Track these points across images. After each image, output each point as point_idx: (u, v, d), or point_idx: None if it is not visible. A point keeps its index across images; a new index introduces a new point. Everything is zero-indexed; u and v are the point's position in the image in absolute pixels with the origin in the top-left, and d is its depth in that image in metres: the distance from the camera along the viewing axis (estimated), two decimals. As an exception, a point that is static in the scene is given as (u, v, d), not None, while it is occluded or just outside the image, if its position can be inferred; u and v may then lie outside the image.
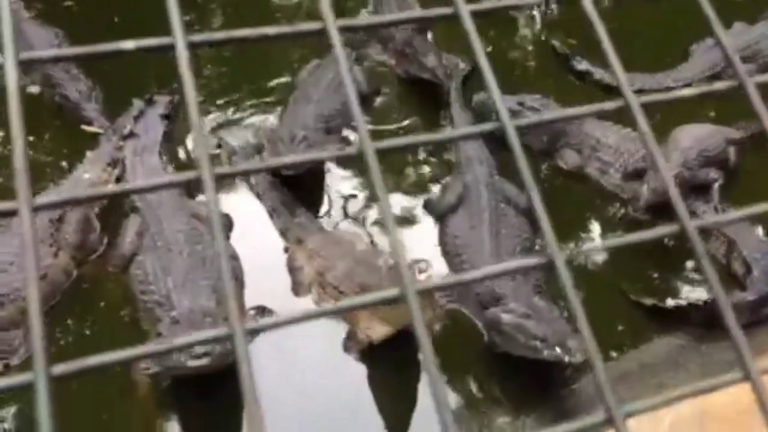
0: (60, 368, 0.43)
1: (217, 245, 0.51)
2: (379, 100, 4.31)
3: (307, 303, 3.29)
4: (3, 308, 2.92)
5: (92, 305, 3.25)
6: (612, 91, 4.46)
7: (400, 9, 4.65)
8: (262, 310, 3.15)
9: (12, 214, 0.48)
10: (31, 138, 3.88)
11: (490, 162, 3.88)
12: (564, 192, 3.87)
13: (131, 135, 3.73)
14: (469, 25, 0.49)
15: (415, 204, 3.77)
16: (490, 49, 4.74)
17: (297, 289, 3.34)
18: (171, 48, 0.41)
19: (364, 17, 4.43)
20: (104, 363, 0.43)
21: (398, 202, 3.76)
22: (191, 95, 0.43)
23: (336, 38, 0.44)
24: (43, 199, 0.48)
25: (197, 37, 0.42)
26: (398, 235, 0.51)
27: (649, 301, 3.37)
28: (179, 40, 0.39)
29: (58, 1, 4.48)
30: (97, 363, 0.43)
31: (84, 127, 3.83)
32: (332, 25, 0.42)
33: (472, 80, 4.31)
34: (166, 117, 3.87)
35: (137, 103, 3.88)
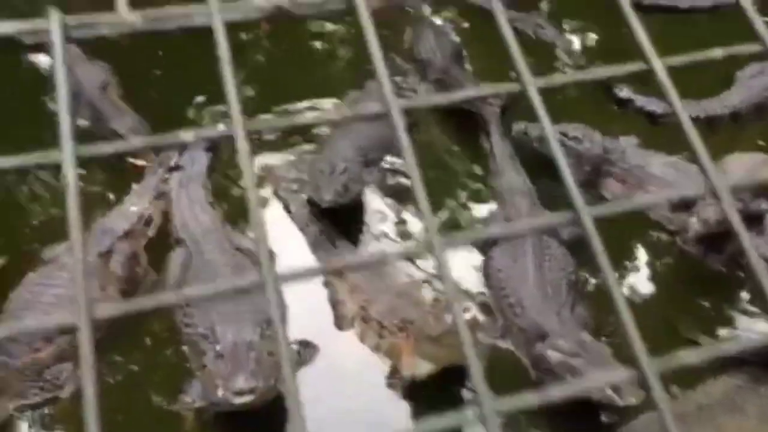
0: None
1: (268, 292, 0.49)
2: (418, 130, 4.31)
3: (349, 337, 3.26)
4: (53, 342, 2.97)
5: (138, 338, 3.28)
6: (655, 119, 4.38)
7: (437, 39, 4.67)
8: (305, 345, 3.14)
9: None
10: (80, 170, 3.98)
11: (533, 193, 3.83)
12: (609, 223, 3.79)
13: (177, 168, 3.80)
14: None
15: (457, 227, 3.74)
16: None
17: (339, 323, 3.32)
18: (231, 139, 0.41)
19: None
20: None
21: (445, 230, 3.72)
22: (252, 192, 0.42)
23: (398, 120, 0.43)
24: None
25: (256, 125, 0.41)
26: (450, 277, 0.48)
27: (703, 340, 3.26)
28: (239, 130, 0.39)
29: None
30: None
31: (130, 160, 3.91)
32: (395, 107, 0.41)
33: (512, 109, 4.28)
34: (210, 150, 3.93)
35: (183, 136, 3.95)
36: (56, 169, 0.41)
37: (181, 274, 3.34)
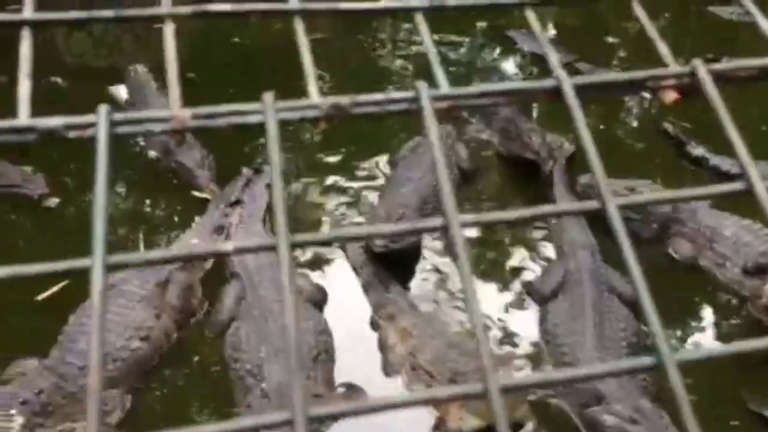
0: None
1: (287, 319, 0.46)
2: (480, 178, 4.28)
3: (396, 384, 3.20)
4: (105, 368, 3.01)
5: (189, 368, 3.30)
6: (730, 179, 4.22)
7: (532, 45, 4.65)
8: (350, 388, 3.09)
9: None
10: (146, 201, 4.11)
11: (595, 248, 3.72)
12: (676, 284, 3.63)
13: (238, 203, 3.87)
14: (573, 101, 0.44)
15: (517, 285, 3.66)
16: (598, 127, 4.64)
17: (388, 368, 3.27)
18: (273, 248, 0.39)
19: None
20: None
21: (499, 281, 3.66)
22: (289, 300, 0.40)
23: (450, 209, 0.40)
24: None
25: (300, 238, 0.39)
26: (482, 328, 0.44)
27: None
28: (282, 242, 0.37)
29: (181, 73, 4.79)
30: None
31: (195, 192, 4.01)
32: (456, 223, 0.38)
33: (577, 162, 4.21)
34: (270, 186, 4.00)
35: (246, 172, 4.03)
36: (85, 275, 0.40)
37: (233, 308, 3.36)
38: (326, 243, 0.42)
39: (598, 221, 3.84)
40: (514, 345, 3.32)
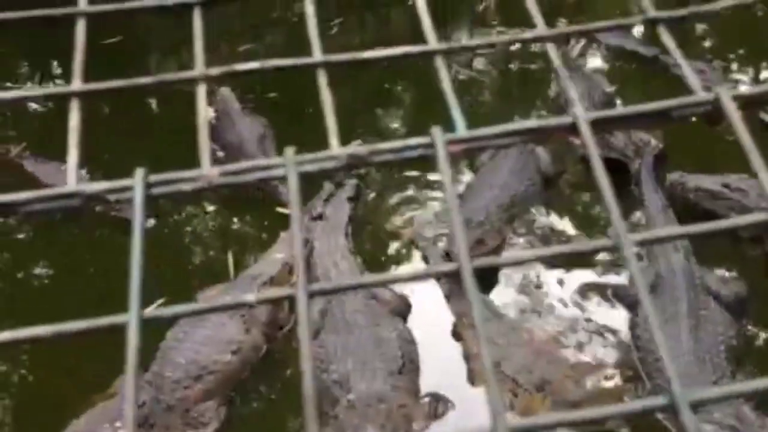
0: None
1: None
2: (564, 181, 4.18)
3: (481, 393, 3.17)
4: (201, 381, 3.16)
5: (279, 380, 3.40)
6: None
7: (589, 87, 4.54)
8: (436, 399, 3.09)
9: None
10: (234, 219, 4.28)
11: (688, 248, 3.55)
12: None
13: (320, 217, 3.95)
14: (589, 139, 0.42)
15: (604, 290, 3.55)
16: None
17: (472, 377, 3.24)
18: (291, 299, 0.41)
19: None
20: None
21: (584, 287, 3.56)
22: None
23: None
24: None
25: (317, 287, 0.41)
26: (491, 370, 0.44)
27: None
28: (301, 291, 0.38)
29: (264, 94, 4.96)
30: None
31: (279, 209, 4.13)
32: (467, 267, 0.39)
33: (666, 158, 4.04)
34: (352, 200, 4.06)
35: (327, 187, 4.12)
36: (122, 332, 0.43)
37: (319, 321, 3.43)
38: (341, 290, 0.44)
39: (691, 218, 3.68)
40: (605, 352, 3.21)
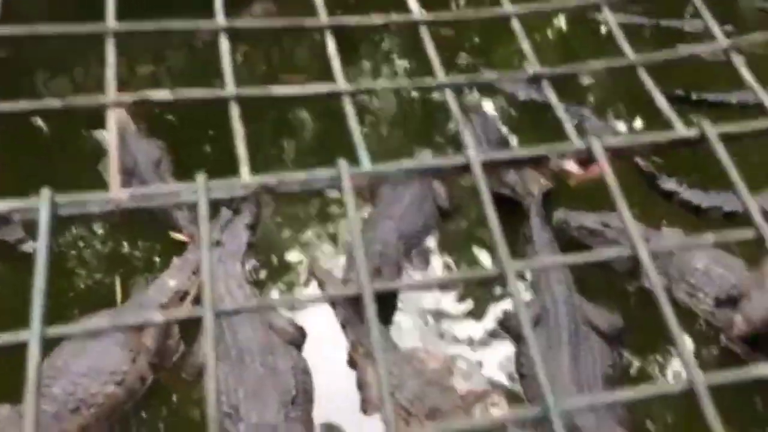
0: None
1: None
2: (459, 215, 4.33)
3: (374, 422, 3.19)
4: (79, 414, 2.98)
5: (165, 412, 3.26)
6: (700, 212, 4.31)
7: (484, 127, 4.74)
8: (330, 429, 3.08)
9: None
10: (123, 242, 4.10)
11: (569, 281, 3.76)
12: (652, 316, 3.68)
13: (217, 243, 3.87)
14: (480, 179, 0.46)
15: (492, 323, 3.68)
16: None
17: (366, 406, 3.25)
18: (200, 319, 0.41)
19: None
20: None
21: (475, 317, 3.69)
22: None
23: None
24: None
25: (227, 307, 0.42)
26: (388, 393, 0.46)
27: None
28: (208, 312, 0.39)
29: (161, 115, 4.83)
30: None
31: (173, 234, 4.01)
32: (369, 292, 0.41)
33: (553, 198, 4.28)
34: (250, 227, 4.01)
35: (225, 212, 4.05)
36: (23, 348, 0.42)
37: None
38: (246, 311, 0.45)
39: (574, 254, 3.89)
40: (491, 381, 3.32)
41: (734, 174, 0.49)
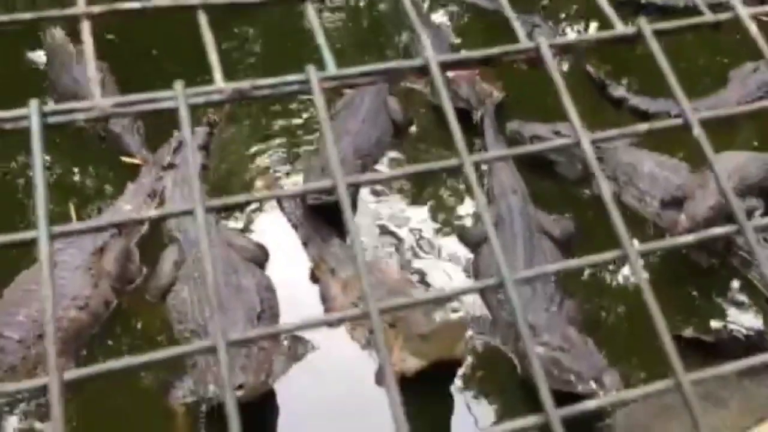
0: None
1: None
2: (413, 129, 4.35)
3: (339, 333, 3.30)
4: (43, 339, 3.00)
5: (130, 334, 3.31)
6: (647, 118, 4.43)
7: (435, 39, 4.70)
8: (296, 339, 3.18)
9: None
10: (75, 169, 4.02)
11: (524, 191, 3.87)
12: (600, 221, 3.83)
13: (171, 166, 3.82)
14: (438, 78, 0.50)
15: (450, 233, 3.78)
16: (523, 75, 4.77)
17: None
18: (191, 213, 0.44)
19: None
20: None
21: (432, 230, 3.78)
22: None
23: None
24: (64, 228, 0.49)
25: (216, 202, 0.44)
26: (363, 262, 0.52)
27: (689, 334, 3.31)
28: (199, 207, 0.41)
29: (101, 36, 4.62)
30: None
31: (124, 158, 3.94)
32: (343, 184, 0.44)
33: (506, 108, 4.32)
34: (204, 148, 3.96)
35: (177, 135, 3.98)
36: (32, 245, 0.44)
37: (173, 271, 3.37)
38: (241, 205, 0.48)
39: (525, 164, 4.00)
40: (452, 288, 3.45)
41: (665, 65, 0.53)
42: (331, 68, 0.45)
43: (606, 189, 0.52)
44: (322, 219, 3.67)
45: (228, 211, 3.58)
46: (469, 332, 3.24)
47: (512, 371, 3.16)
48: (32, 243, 0.45)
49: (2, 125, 0.40)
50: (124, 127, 3.96)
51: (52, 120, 0.40)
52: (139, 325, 3.35)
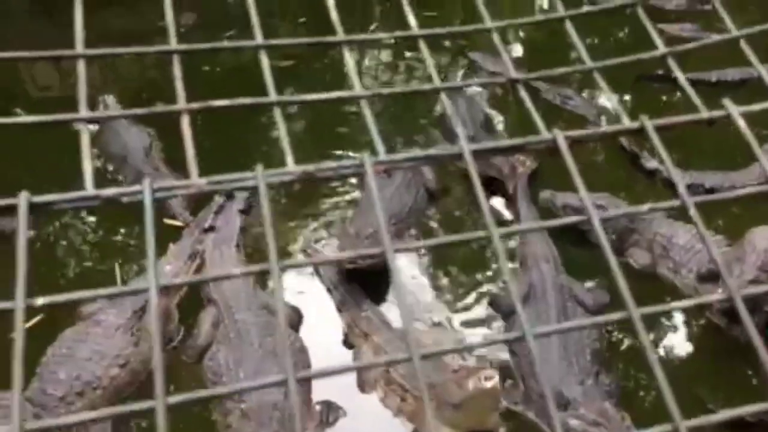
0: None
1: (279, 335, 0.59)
2: (446, 196, 4.44)
3: (372, 399, 3.30)
4: (85, 396, 3.07)
5: (168, 394, 3.36)
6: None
7: (469, 108, 4.85)
8: (328, 405, 3.19)
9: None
10: (120, 229, 4.18)
11: (557, 260, 3.88)
12: (635, 292, 3.80)
13: (211, 229, 3.96)
14: (471, 166, 0.57)
15: (482, 301, 3.80)
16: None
17: (362, 384, 3.37)
18: (267, 272, 0.51)
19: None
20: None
21: (464, 298, 3.80)
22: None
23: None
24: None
25: (289, 262, 0.51)
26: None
27: (727, 412, 3.21)
28: (274, 266, 0.49)
29: (150, 103, 4.87)
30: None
31: (167, 220, 4.09)
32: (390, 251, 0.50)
33: (538, 178, 4.39)
34: (243, 212, 4.09)
35: (218, 199, 4.13)
36: (9, 314, 0.52)
37: (211, 333, 3.44)
38: (305, 265, 0.54)
39: (558, 233, 4.03)
40: (485, 357, 3.44)
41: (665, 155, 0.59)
42: (382, 154, 0.54)
43: (613, 260, 0.57)
44: (357, 284, 3.73)
45: (289, 269, 3.68)
46: (503, 403, 3.21)
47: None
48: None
49: (121, 198, 0.49)
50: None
51: (158, 195, 0.48)
52: (173, 387, 3.40)
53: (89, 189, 0.49)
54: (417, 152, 0.55)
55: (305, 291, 3.82)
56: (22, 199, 0.50)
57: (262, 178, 0.50)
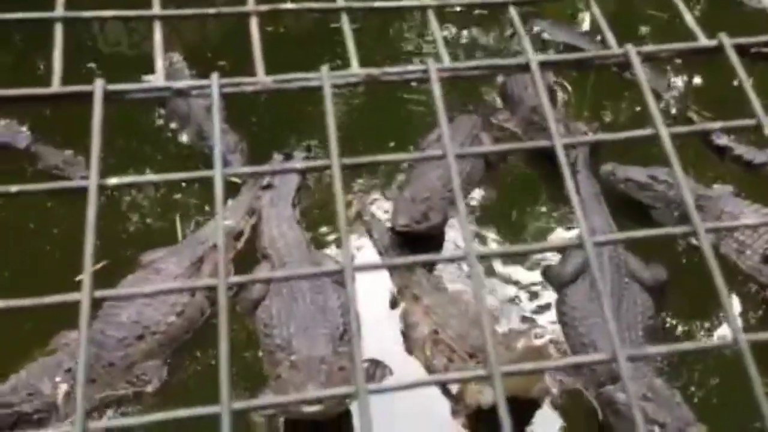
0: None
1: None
2: (504, 167, 4.38)
3: (419, 360, 3.33)
4: (143, 340, 3.20)
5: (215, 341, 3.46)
6: (752, 168, 4.26)
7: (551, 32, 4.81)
8: (375, 364, 3.23)
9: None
10: (181, 185, 4.29)
11: (615, 232, 3.80)
12: (698, 272, 3.70)
13: (269, 186, 4.02)
14: (537, 73, 0.55)
15: (535, 271, 3.76)
16: (623, 118, 4.71)
17: (410, 345, 3.40)
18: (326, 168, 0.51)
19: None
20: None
21: (519, 266, 3.77)
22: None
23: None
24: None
25: (351, 161, 0.51)
26: (487, 316, 0.56)
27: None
28: (335, 161, 0.49)
29: (215, 61, 4.95)
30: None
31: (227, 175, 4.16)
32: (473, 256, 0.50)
33: (600, 149, 4.28)
34: (300, 172, 4.14)
35: (277, 157, 4.19)
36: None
37: (264, 287, 3.52)
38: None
39: (620, 208, 3.93)
40: (534, 324, 3.42)
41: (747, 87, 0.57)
42: (446, 61, 0.53)
43: (720, 281, 0.54)
44: (409, 246, 3.74)
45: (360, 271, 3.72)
46: (553, 374, 3.19)
47: (592, 417, 3.08)
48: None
49: (190, 92, 0.50)
50: (228, 146, 4.20)
51: (225, 90, 0.49)
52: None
53: (159, 80, 0.51)
54: (482, 62, 0.54)
55: (357, 251, 3.85)
56: (98, 86, 0.51)
57: (327, 79, 0.50)
